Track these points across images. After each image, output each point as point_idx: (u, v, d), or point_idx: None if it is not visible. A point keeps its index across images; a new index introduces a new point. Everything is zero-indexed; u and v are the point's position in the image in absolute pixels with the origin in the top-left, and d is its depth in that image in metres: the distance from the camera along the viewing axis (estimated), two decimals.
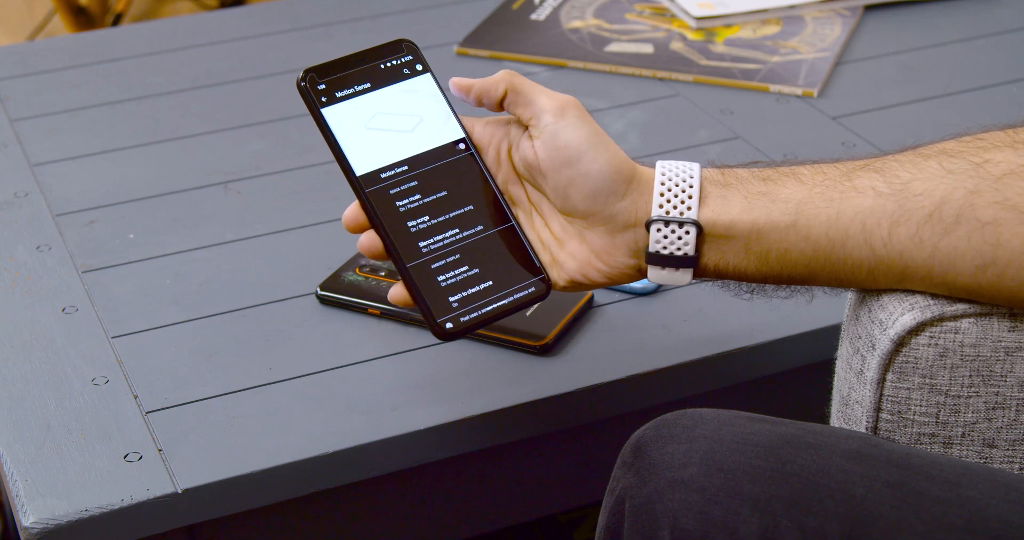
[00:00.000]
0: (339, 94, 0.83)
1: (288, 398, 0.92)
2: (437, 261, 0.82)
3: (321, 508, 0.92)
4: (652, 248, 0.79)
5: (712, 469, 0.70)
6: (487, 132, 0.85)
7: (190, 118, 1.27)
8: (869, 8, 1.45)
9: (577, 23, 1.42)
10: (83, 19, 2.20)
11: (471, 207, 0.83)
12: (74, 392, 0.92)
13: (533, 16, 1.44)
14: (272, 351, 0.96)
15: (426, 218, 0.83)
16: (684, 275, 0.80)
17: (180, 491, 0.85)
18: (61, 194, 1.15)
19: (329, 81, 0.83)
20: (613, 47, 1.37)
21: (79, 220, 1.11)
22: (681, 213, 0.79)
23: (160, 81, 1.34)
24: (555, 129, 0.80)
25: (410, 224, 0.82)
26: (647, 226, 0.79)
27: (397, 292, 0.83)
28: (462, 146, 0.85)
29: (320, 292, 1.01)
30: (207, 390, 0.92)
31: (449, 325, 0.81)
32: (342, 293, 1.00)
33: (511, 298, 0.83)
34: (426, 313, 0.81)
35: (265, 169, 1.19)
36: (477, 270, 0.83)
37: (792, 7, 1.43)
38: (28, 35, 2.36)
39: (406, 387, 0.93)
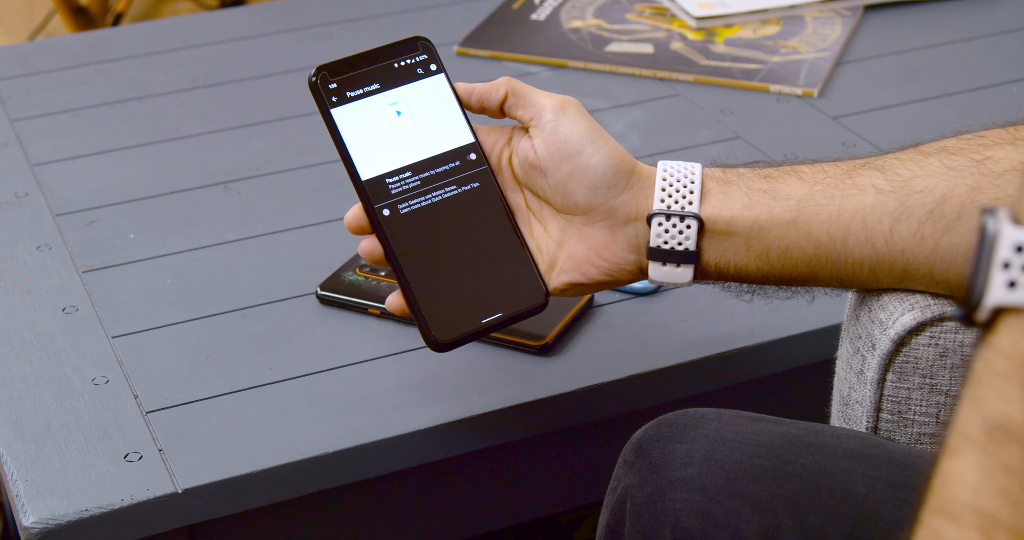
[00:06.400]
0: (350, 94, 0.82)
1: (288, 398, 0.92)
2: (436, 271, 0.82)
3: (321, 508, 0.92)
4: (653, 243, 0.79)
5: (714, 468, 0.70)
6: (489, 140, 0.85)
7: (190, 118, 1.27)
8: (869, 8, 1.45)
9: (577, 23, 1.42)
10: (83, 19, 2.20)
11: (475, 217, 0.83)
12: (74, 392, 0.92)
13: (533, 16, 1.44)
14: (272, 351, 0.96)
15: (429, 227, 0.82)
16: (685, 272, 0.80)
17: (180, 491, 0.85)
18: (61, 194, 1.15)
19: (340, 80, 0.82)
20: (613, 47, 1.37)
21: (79, 220, 1.11)
22: (682, 207, 0.79)
23: (160, 81, 1.34)
24: (555, 125, 0.81)
25: (412, 233, 0.82)
26: (648, 220, 0.79)
27: (394, 300, 0.83)
28: (471, 152, 0.84)
29: (320, 292, 1.01)
30: (207, 390, 0.92)
31: (444, 337, 0.81)
32: (342, 293, 1.00)
33: (508, 311, 0.82)
34: (421, 324, 0.81)
35: (265, 169, 1.19)
36: (476, 281, 0.82)
37: (792, 7, 1.43)
38: (28, 35, 2.36)
39: (406, 387, 0.93)
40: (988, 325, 0.47)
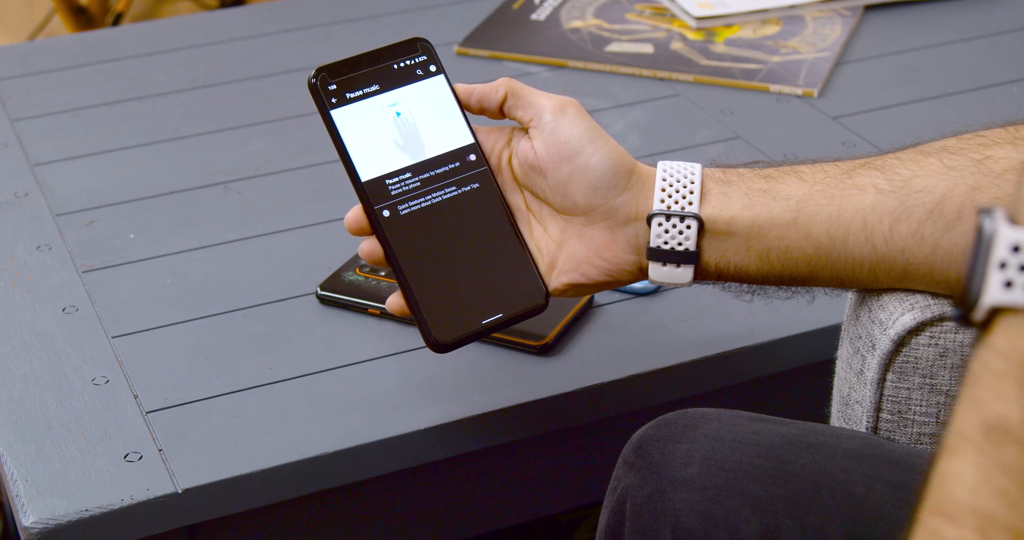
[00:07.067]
0: (350, 95, 0.82)
1: (288, 398, 0.92)
2: (437, 272, 0.82)
3: (321, 508, 0.92)
4: (653, 243, 0.79)
5: (714, 468, 0.70)
6: (488, 141, 0.85)
7: (190, 118, 1.27)
8: (869, 8, 1.45)
9: (577, 23, 1.42)
10: (83, 19, 2.20)
11: (475, 218, 0.83)
12: (74, 392, 0.92)
13: (533, 16, 1.44)
14: (272, 351, 0.96)
15: (429, 228, 0.82)
16: (685, 273, 0.80)
17: (180, 491, 0.85)
18: (61, 194, 1.15)
19: (340, 81, 0.82)
20: (613, 47, 1.37)
21: (79, 220, 1.11)
22: (682, 208, 0.79)
23: (160, 81, 1.34)
24: (555, 125, 0.81)
25: (412, 234, 0.82)
26: (648, 221, 0.79)
27: (394, 301, 0.83)
28: (471, 153, 0.84)
29: (320, 292, 1.01)
30: (207, 390, 0.92)
31: (444, 338, 0.81)
32: (342, 293, 1.00)
33: (508, 311, 0.83)
34: (422, 325, 0.81)
35: (265, 169, 1.19)
36: (476, 282, 0.82)
37: (792, 7, 1.43)
38: (28, 35, 2.36)
39: (406, 387, 0.93)
40: (985, 325, 0.47)
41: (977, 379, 0.46)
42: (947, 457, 0.46)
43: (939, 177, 0.74)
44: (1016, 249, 0.46)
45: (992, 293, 0.46)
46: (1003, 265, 0.46)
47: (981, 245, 0.47)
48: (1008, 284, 0.46)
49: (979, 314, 0.47)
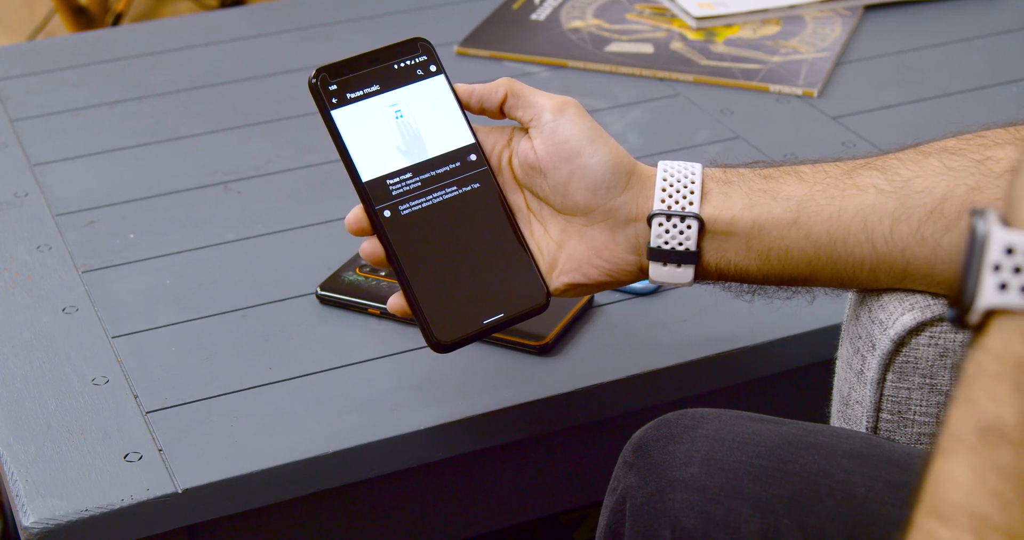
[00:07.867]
0: (350, 95, 0.82)
1: (288, 398, 0.92)
2: (438, 273, 0.82)
3: (321, 508, 0.92)
4: (654, 243, 0.79)
5: (713, 469, 0.70)
6: (489, 140, 0.85)
7: (190, 118, 1.27)
8: (869, 8, 1.45)
9: (577, 23, 1.42)
10: (83, 19, 2.20)
11: (476, 218, 0.83)
12: (74, 392, 0.92)
13: (533, 16, 1.44)
14: (272, 351, 0.96)
15: (430, 228, 0.82)
16: (685, 273, 0.80)
17: (180, 491, 0.85)
18: (61, 194, 1.15)
19: (341, 81, 0.82)
20: (613, 47, 1.37)
21: (79, 220, 1.11)
22: (683, 208, 0.79)
23: (160, 81, 1.34)
24: (555, 125, 0.81)
25: (413, 234, 0.82)
26: (649, 221, 0.79)
27: (396, 302, 0.83)
28: (472, 153, 0.84)
29: (320, 292, 1.01)
30: (207, 390, 0.92)
31: (446, 338, 0.81)
32: (342, 293, 1.00)
33: (509, 311, 0.83)
34: (423, 326, 0.81)
35: (265, 169, 1.19)
36: (478, 282, 0.82)
37: (792, 7, 1.43)
38: (28, 35, 2.36)
39: (406, 387, 0.93)
40: (980, 327, 0.47)
41: (972, 381, 0.46)
42: (942, 459, 0.46)
43: (939, 177, 0.74)
44: (1010, 251, 0.46)
45: (987, 296, 0.46)
46: (997, 267, 0.46)
47: (975, 247, 0.47)
48: (1002, 286, 0.46)
49: (974, 317, 0.47)
